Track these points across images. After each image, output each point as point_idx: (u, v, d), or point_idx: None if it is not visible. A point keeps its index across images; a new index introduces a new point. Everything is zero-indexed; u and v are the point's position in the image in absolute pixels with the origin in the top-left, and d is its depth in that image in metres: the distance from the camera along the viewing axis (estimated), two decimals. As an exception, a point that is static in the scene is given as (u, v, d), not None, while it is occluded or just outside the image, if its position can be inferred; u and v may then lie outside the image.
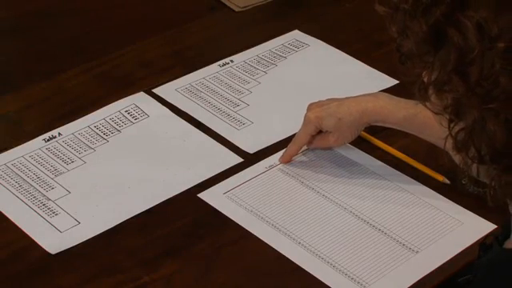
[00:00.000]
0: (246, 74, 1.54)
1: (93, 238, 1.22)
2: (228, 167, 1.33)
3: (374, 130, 1.39)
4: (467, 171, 0.84)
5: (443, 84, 0.80)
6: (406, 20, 0.81)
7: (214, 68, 1.56)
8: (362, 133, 1.38)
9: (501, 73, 0.76)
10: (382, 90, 1.49)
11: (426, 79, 0.82)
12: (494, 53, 0.76)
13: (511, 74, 0.76)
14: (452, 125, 0.82)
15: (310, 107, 1.32)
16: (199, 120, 1.43)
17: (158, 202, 1.27)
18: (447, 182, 1.29)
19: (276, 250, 1.20)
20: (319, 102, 1.32)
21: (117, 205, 1.27)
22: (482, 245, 1.00)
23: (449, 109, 0.81)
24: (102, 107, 1.45)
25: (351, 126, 1.29)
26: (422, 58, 0.81)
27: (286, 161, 1.33)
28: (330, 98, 1.33)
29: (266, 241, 1.21)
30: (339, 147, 1.36)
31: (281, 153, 1.35)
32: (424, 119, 1.23)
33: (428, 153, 1.31)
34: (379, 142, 1.37)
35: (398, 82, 1.50)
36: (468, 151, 0.81)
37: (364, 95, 1.32)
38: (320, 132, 1.32)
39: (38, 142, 1.38)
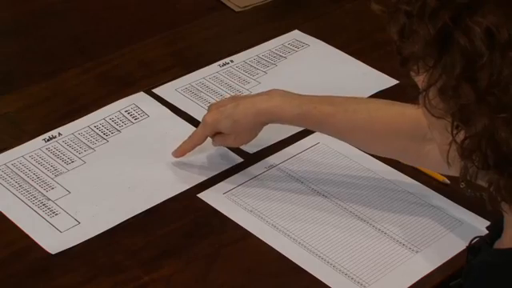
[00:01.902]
0: (246, 73, 1.54)
1: (93, 238, 1.22)
2: (228, 167, 1.33)
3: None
4: (466, 175, 0.83)
5: (449, 89, 0.79)
6: (413, 23, 0.80)
7: (213, 68, 1.56)
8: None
9: (510, 80, 0.76)
10: (382, 90, 1.49)
11: (426, 83, 0.81)
12: (504, 60, 0.75)
13: None
14: (455, 131, 0.81)
15: (210, 108, 1.30)
16: (199, 120, 1.43)
17: (158, 202, 1.27)
18: (447, 182, 1.29)
19: (276, 250, 1.20)
20: (220, 101, 1.31)
21: (117, 205, 1.27)
22: (471, 248, 1.00)
23: (454, 114, 0.80)
24: (101, 107, 1.45)
25: (247, 128, 1.28)
26: (425, 61, 0.81)
27: (179, 155, 1.32)
28: (233, 96, 1.31)
29: (265, 241, 1.21)
30: (340, 147, 1.36)
31: (280, 153, 1.36)
32: (319, 115, 1.23)
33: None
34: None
35: (397, 82, 1.50)
36: (476, 157, 0.80)
37: (259, 94, 1.30)
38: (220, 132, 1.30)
39: (38, 142, 1.38)
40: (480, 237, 0.98)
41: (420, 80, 0.83)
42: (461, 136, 0.81)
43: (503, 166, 0.79)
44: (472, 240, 1.00)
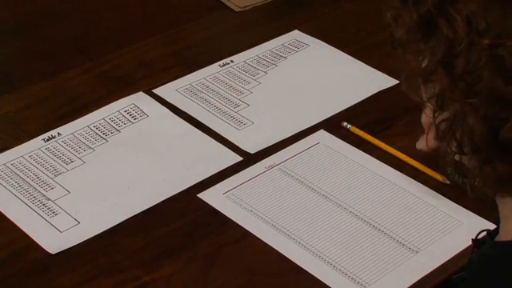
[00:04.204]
0: (247, 74, 1.54)
1: (93, 237, 1.22)
2: (228, 167, 1.33)
3: (374, 130, 1.39)
4: (450, 159, 0.85)
5: (430, 74, 0.81)
6: (398, 8, 0.81)
7: (214, 68, 1.56)
8: (362, 133, 1.38)
9: (485, 68, 0.77)
10: (381, 90, 1.49)
11: (414, 67, 0.83)
12: (480, 48, 0.76)
13: (495, 71, 0.77)
14: (436, 114, 0.83)
15: None
16: (199, 120, 1.43)
17: (157, 202, 1.27)
18: (447, 182, 1.29)
19: (276, 250, 1.20)
20: None
21: (117, 205, 1.27)
22: (477, 241, 1.01)
23: (433, 99, 0.82)
24: (101, 107, 1.45)
25: None
26: (411, 46, 0.82)
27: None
28: None
29: (266, 241, 1.21)
30: (340, 147, 1.36)
31: (280, 153, 1.36)
32: None
33: (428, 153, 1.31)
34: (379, 142, 1.37)
35: (397, 82, 1.49)
36: (449, 141, 0.82)
37: None
38: None
39: (38, 141, 1.38)
40: (486, 230, 0.99)
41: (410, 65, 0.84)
42: (438, 120, 0.83)
43: (477, 152, 0.81)
44: (478, 234, 1.01)
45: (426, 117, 1.29)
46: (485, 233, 1.01)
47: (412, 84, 0.84)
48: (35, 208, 1.26)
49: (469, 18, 0.76)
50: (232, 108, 1.46)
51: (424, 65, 0.81)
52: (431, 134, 1.29)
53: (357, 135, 1.39)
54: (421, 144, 1.29)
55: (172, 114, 1.44)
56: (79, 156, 1.35)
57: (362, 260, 1.18)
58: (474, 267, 0.90)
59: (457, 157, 0.85)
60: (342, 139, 1.39)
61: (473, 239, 1.02)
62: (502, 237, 0.89)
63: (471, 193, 0.85)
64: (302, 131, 1.41)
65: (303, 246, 1.20)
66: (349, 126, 1.40)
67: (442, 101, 0.81)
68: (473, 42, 0.76)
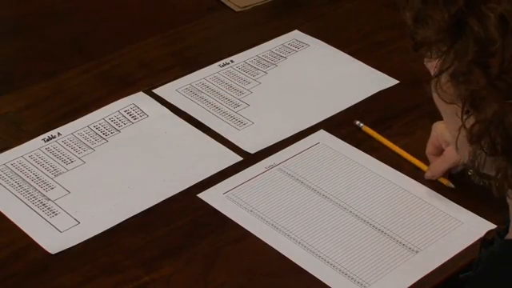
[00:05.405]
0: (247, 74, 1.54)
1: (93, 237, 1.22)
2: (228, 167, 1.33)
3: (374, 129, 1.39)
4: (474, 162, 0.84)
5: (461, 75, 0.80)
6: (427, 8, 0.80)
7: (214, 68, 1.56)
8: (365, 128, 1.38)
9: None
10: (381, 90, 1.49)
11: (438, 68, 0.82)
12: None
13: None
14: (465, 116, 0.81)
15: None
16: (199, 120, 1.43)
17: (157, 202, 1.27)
18: (452, 186, 1.28)
19: (276, 250, 1.20)
20: None
21: (117, 205, 1.27)
22: (484, 240, 1.00)
23: (464, 100, 0.81)
24: (101, 107, 1.45)
25: None
26: (437, 46, 0.81)
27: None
28: None
29: (266, 241, 1.21)
30: (340, 147, 1.36)
31: (280, 153, 1.36)
32: None
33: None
34: (381, 137, 1.36)
35: (398, 82, 1.50)
36: (481, 142, 0.81)
37: None
38: None
39: (38, 141, 1.38)
40: (495, 229, 0.99)
41: (433, 65, 0.83)
42: (470, 121, 0.81)
43: (509, 152, 0.80)
44: (486, 233, 1.01)
45: (432, 147, 1.29)
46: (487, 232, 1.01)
47: (440, 85, 0.82)
48: (35, 208, 1.26)
49: (503, 16, 0.75)
50: (232, 108, 1.46)
51: (451, 64, 0.80)
52: (437, 163, 1.28)
53: (365, 133, 1.39)
54: (429, 174, 1.30)
55: (172, 114, 1.44)
56: (79, 156, 1.35)
57: (362, 260, 1.18)
58: (483, 265, 0.90)
59: (481, 161, 0.83)
60: (342, 139, 1.39)
61: (481, 238, 1.02)
62: None
63: (497, 193, 0.84)
64: (302, 131, 1.41)
65: (303, 246, 1.20)
66: (361, 124, 1.40)
67: (477, 101, 0.79)
68: (508, 41, 0.76)
